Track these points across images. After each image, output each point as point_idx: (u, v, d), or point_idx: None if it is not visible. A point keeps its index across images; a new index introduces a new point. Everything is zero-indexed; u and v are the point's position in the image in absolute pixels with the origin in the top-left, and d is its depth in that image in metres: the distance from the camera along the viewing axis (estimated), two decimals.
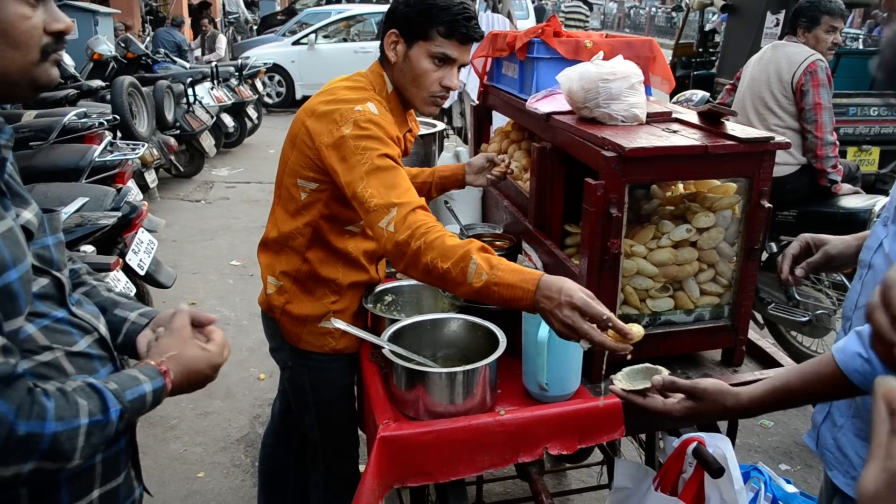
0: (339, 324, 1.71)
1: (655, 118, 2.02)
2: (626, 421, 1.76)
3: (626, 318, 1.89)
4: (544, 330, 1.68)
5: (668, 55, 8.50)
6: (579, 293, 1.44)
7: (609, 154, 1.70)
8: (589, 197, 1.74)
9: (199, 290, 5.07)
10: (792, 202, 3.72)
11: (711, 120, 1.90)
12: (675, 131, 1.87)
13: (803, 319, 3.71)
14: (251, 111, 9.30)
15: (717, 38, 8.37)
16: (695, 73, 7.87)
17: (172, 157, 6.99)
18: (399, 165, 1.74)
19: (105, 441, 1.07)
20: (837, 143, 3.65)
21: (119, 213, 2.80)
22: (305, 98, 12.22)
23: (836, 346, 1.32)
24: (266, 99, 11.34)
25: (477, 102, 2.98)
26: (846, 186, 3.73)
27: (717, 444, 1.76)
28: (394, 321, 1.88)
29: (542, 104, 2.22)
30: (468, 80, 6.42)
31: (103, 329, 1.22)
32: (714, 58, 8.05)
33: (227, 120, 8.56)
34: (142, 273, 3.44)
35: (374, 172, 1.67)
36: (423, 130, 2.71)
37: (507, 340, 1.79)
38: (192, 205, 7.14)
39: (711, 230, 1.87)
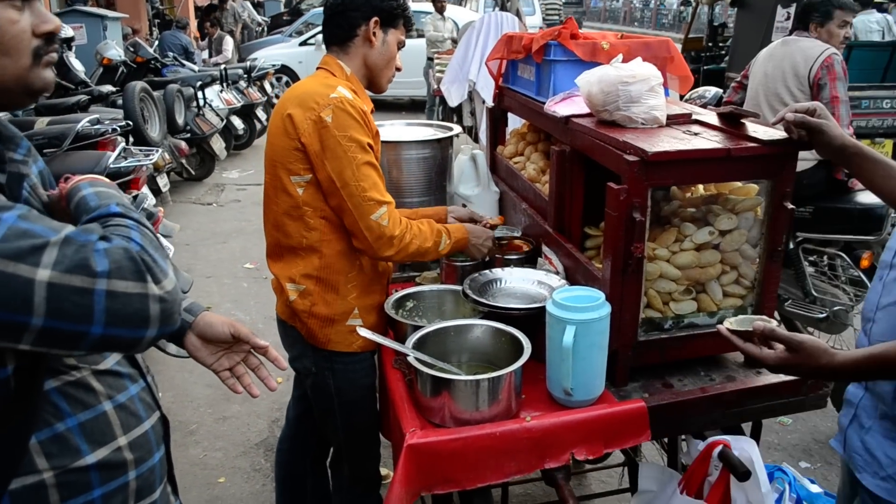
0: (364, 332, 1.72)
1: (675, 120, 2.01)
2: (651, 424, 1.76)
3: (650, 322, 1.89)
4: (569, 335, 1.68)
5: None
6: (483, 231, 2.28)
7: (632, 158, 1.69)
8: (611, 201, 1.74)
9: (213, 294, 5.08)
10: (808, 198, 3.70)
11: (732, 121, 1.89)
12: (696, 133, 1.86)
13: (820, 316, 3.69)
14: (260, 113, 9.32)
15: (727, 33, 8.34)
16: (705, 67, 7.84)
17: (184, 161, 7.02)
18: (373, 158, 1.93)
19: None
20: (854, 136, 3.63)
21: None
22: None
23: None
24: (274, 100, 11.32)
25: (492, 105, 2.97)
26: None
27: (743, 447, 1.76)
28: (417, 328, 1.88)
29: (560, 107, 2.21)
30: (478, 80, 6.42)
31: (149, 377, 1.22)
32: (724, 52, 8.02)
33: (237, 122, 8.59)
34: None
35: (365, 167, 1.89)
36: (440, 134, 2.70)
37: (532, 344, 1.80)
38: (204, 208, 7.17)
39: (734, 232, 1.86)
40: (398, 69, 2.14)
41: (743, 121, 1.90)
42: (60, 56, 6.96)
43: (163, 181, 6.24)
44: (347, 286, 2.00)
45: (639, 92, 1.94)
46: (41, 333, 0.89)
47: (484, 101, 6.48)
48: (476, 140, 7.19)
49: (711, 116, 2.06)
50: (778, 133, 1.77)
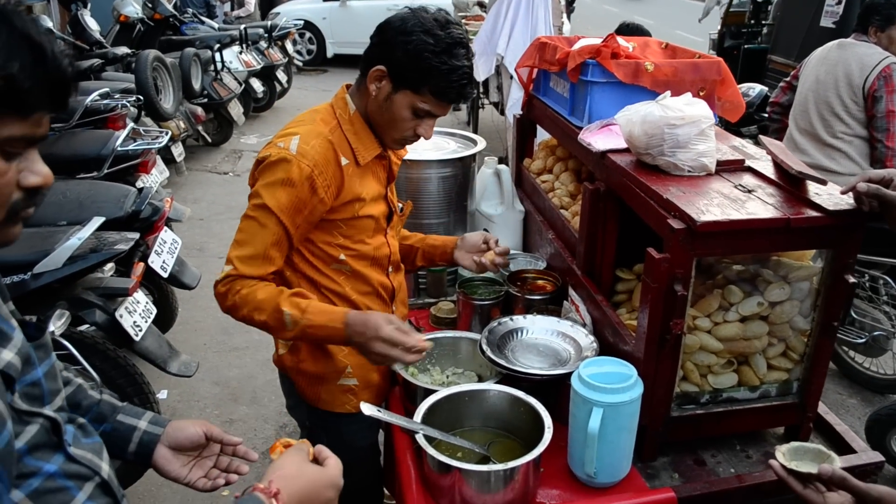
0: (368, 409, 1.55)
1: (726, 167, 1.80)
2: None
3: (685, 396, 1.72)
4: (596, 420, 1.52)
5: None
6: (386, 327, 1.60)
7: (677, 225, 1.50)
8: (651, 271, 1.55)
9: None
10: None
11: (794, 181, 1.68)
12: (749, 191, 1.65)
13: (859, 341, 3.49)
14: (281, 74, 9.06)
15: (771, 9, 7.93)
16: (746, 46, 7.46)
17: (200, 128, 6.82)
18: (269, 222, 1.64)
19: None
20: None
21: (137, 237, 2.66)
22: (337, 56, 11.79)
23: None
24: (296, 58, 11.02)
25: (520, 114, 2.75)
26: None
27: None
28: (429, 392, 1.72)
29: (597, 139, 2.00)
30: (506, 54, 6.12)
31: (106, 469, 1.07)
32: (766, 30, 7.63)
33: (257, 85, 8.36)
34: (165, 275, 3.31)
35: (247, 220, 1.67)
36: (462, 151, 2.50)
37: (553, 405, 1.67)
38: (220, 178, 6.98)
39: (785, 303, 1.67)
40: (419, 136, 1.75)
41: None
42: (75, 14, 6.75)
43: (177, 150, 6.06)
44: None
45: (687, 136, 1.73)
46: None
47: (512, 77, 6.21)
48: (503, 114, 6.91)
49: (766, 163, 1.84)
50: (845, 201, 1.56)
